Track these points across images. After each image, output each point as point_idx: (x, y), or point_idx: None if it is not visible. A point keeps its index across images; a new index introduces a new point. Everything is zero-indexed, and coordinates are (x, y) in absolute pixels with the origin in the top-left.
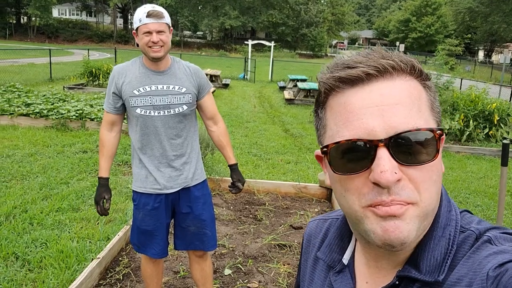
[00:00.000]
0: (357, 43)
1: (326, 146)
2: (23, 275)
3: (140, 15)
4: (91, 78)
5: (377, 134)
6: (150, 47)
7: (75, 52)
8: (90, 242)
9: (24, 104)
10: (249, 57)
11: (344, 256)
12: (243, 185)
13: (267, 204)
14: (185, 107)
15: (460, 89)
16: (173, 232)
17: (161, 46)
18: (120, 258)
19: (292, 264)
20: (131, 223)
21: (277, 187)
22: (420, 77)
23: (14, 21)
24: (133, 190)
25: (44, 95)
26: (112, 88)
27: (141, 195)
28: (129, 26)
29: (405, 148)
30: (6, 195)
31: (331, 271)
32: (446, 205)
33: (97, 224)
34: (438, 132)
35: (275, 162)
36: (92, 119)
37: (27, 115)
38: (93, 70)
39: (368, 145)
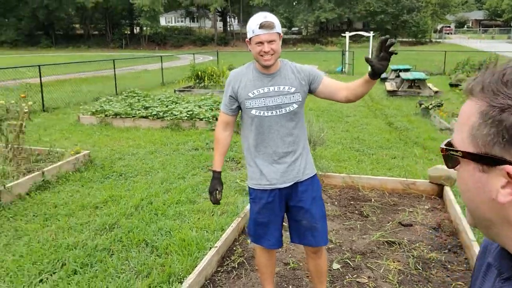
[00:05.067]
0: (465, 26)
1: None
2: (153, 260)
3: (253, 26)
4: (197, 81)
5: None
6: (261, 56)
7: (181, 57)
8: (207, 232)
9: (143, 107)
10: (347, 49)
11: None
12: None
13: (373, 200)
14: (295, 105)
15: None
16: (287, 225)
17: (272, 55)
18: (234, 248)
19: (403, 262)
20: (248, 216)
21: (383, 183)
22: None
23: (128, 32)
24: (249, 187)
25: (159, 99)
26: (229, 91)
27: (257, 190)
28: (228, 29)
29: None
30: (134, 189)
31: (499, 277)
32: None
33: (212, 215)
34: None
35: (380, 157)
36: (201, 119)
37: (146, 117)
38: (199, 73)
39: None
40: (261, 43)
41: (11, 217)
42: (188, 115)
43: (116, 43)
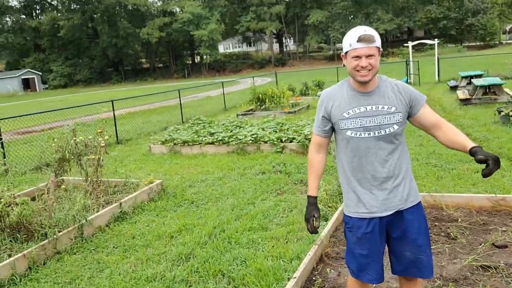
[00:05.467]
0: None
1: None
2: None
3: (350, 40)
4: (258, 103)
5: None
6: (358, 71)
7: (241, 81)
8: (283, 260)
9: (208, 133)
10: (411, 59)
11: None
12: (497, 161)
13: (459, 220)
14: (396, 126)
15: None
16: (388, 255)
17: (369, 70)
18: (313, 278)
19: None
20: (346, 246)
21: (469, 201)
22: None
23: (190, 62)
24: (344, 214)
25: (223, 124)
26: (322, 112)
27: (353, 219)
28: (284, 49)
29: None
30: (206, 216)
31: None
32: None
33: (286, 243)
34: None
35: (461, 172)
36: (265, 142)
37: (212, 143)
38: (260, 95)
39: None
40: (359, 57)
41: (93, 249)
42: (252, 139)
43: (179, 73)
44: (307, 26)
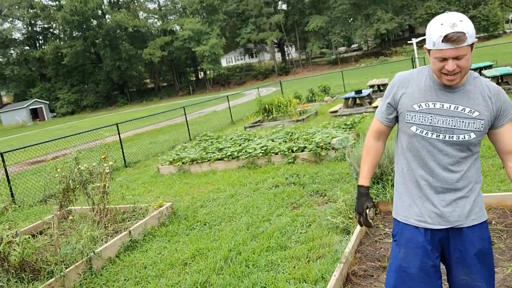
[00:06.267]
0: None
1: None
2: None
3: (434, 37)
4: (265, 114)
5: None
6: (444, 73)
7: (246, 93)
8: (306, 283)
9: (217, 149)
10: (416, 56)
11: None
12: None
13: (493, 222)
14: (473, 135)
15: None
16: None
17: (458, 73)
18: None
19: None
20: (389, 263)
21: (501, 200)
22: None
23: (194, 78)
24: (394, 218)
25: (231, 138)
26: (389, 98)
27: (403, 226)
28: (287, 58)
29: None
30: (220, 238)
31: None
32: None
33: (308, 262)
34: None
35: (485, 169)
36: (276, 153)
37: (221, 159)
38: (266, 106)
39: None
40: (444, 59)
41: (103, 284)
42: (262, 151)
43: (184, 91)
44: (307, 32)
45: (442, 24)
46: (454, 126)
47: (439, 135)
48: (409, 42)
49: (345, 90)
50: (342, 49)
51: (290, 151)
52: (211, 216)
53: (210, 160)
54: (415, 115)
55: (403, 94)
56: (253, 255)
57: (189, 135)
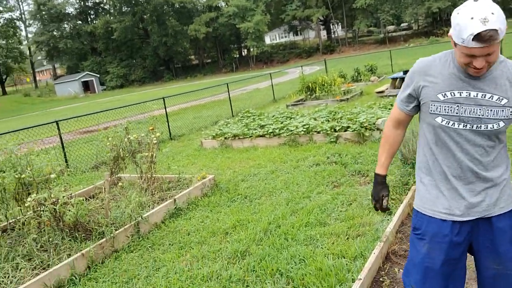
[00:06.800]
0: None
1: None
2: None
3: (463, 33)
4: (308, 93)
5: None
6: (470, 67)
7: (289, 71)
8: (345, 259)
9: (259, 126)
10: None
11: None
12: None
13: None
14: (501, 123)
15: None
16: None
17: (485, 67)
18: (381, 279)
19: None
20: (410, 257)
21: None
22: None
23: (237, 55)
24: (415, 211)
25: (273, 116)
26: (410, 88)
27: (429, 219)
28: (332, 36)
29: None
30: (260, 212)
31: None
32: None
33: (347, 239)
34: None
35: None
36: (318, 132)
37: (262, 135)
38: (310, 84)
39: None
40: (474, 56)
41: (149, 247)
42: (304, 129)
43: (227, 68)
44: (355, 10)
45: (472, 18)
46: (482, 115)
47: (466, 125)
48: None
49: (392, 70)
50: (390, 27)
51: (332, 130)
52: (251, 190)
53: (251, 136)
54: (440, 105)
55: (425, 82)
56: (292, 229)
57: (232, 111)
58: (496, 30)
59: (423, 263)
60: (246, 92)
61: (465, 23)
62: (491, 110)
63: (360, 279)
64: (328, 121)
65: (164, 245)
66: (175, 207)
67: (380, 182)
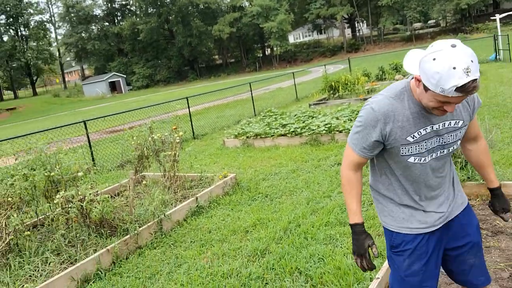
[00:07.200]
0: None
1: None
2: None
3: (445, 84)
4: (331, 92)
5: None
6: (436, 109)
7: (312, 70)
8: None
9: (280, 125)
10: (499, 33)
11: None
12: (507, 212)
13: None
14: (458, 143)
15: None
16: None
17: None
18: None
19: None
20: (392, 273)
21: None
22: None
23: (261, 55)
24: (389, 231)
25: (295, 115)
26: (376, 135)
27: (405, 236)
28: (357, 34)
29: None
30: (280, 210)
31: None
32: None
33: None
34: None
35: None
36: (340, 131)
37: (284, 135)
38: (332, 83)
39: None
40: (448, 103)
41: (172, 244)
42: (326, 129)
43: (251, 67)
44: (380, 7)
45: (454, 68)
46: (445, 142)
47: (433, 155)
48: (492, 18)
49: None
50: (417, 25)
51: None
52: (272, 189)
53: (273, 135)
54: (411, 147)
55: (392, 129)
56: (312, 228)
57: (254, 111)
58: (477, 80)
59: (407, 279)
60: (269, 92)
61: (447, 73)
62: (451, 135)
63: (378, 278)
64: (351, 120)
65: (186, 242)
66: (197, 205)
67: (360, 231)
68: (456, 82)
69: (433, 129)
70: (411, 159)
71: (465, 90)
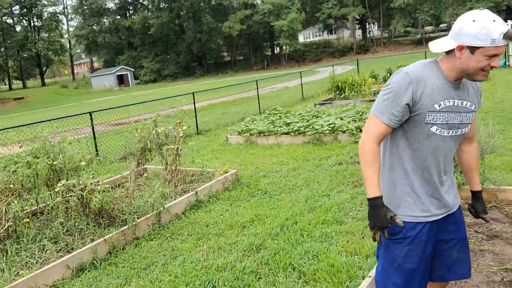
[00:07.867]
0: None
1: None
2: (301, 286)
3: (494, 34)
4: (337, 92)
5: None
6: (484, 71)
7: (320, 70)
8: (358, 257)
9: (284, 124)
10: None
11: None
12: (486, 214)
13: None
14: (469, 126)
15: None
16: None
17: None
18: None
19: None
20: (386, 261)
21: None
22: None
23: (269, 53)
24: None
25: (300, 114)
26: (407, 97)
27: (406, 224)
28: (368, 35)
29: None
30: (278, 207)
31: None
32: None
33: (362, 238)
34: None
35: None
36: (343, 132)
37: (287, 133)
38: (339, 84)
39: None
40: (496, 55)
41: (169, 236)
42: (329, 129)
43: (259, 65)
44: (393, 9)
45: (494, 21)
46: (461, 121)
47: (450, 132)
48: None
49: None
50: (429, 28)
51: (358, 130)
52: (272, 186)
53: (276, 133)
54: (436, 115)
55: (422, 93)
56: (309, 226)
57: (259, 109)
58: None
59: (404, 266)
60: (275, 90)
61: (492, 25)
62: (466, 115)
63: (370, 276)
64: (355, 121)
65: (183, 235)
66: (196, 199)
67: (381, 204)
68: (502, 29)
69: (455, 104)
70: (434, 128)
71: (509, 35)
